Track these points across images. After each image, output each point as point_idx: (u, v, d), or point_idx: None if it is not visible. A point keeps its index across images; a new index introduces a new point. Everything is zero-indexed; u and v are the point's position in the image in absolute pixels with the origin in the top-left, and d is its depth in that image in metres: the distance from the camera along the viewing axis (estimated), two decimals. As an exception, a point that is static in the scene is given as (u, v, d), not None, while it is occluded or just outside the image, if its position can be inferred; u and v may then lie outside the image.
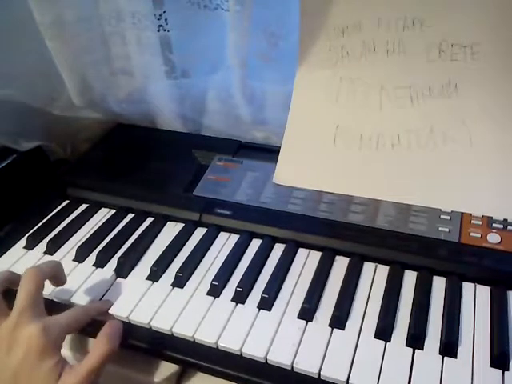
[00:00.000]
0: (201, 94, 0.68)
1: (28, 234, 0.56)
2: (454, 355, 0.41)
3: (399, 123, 0.55)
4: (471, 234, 0.50)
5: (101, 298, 0.49)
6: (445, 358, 0.41)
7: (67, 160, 0.75)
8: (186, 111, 0.70)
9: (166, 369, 0.46)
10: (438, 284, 0.47)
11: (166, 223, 0.57)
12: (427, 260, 0.48)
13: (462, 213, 0.52)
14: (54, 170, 0.70)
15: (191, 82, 0.68)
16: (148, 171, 0.64)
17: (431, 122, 0.54)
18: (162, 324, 0.45)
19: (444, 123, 0.54)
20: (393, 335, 0.43)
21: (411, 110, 0.55)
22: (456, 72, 0.52)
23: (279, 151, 0.59)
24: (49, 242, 0.55)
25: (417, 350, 0.41)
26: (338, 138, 0.57)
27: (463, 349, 0.41)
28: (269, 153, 0.62)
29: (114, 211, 0.60)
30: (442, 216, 0.52)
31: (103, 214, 0.60)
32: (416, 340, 0.42)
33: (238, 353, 0.42)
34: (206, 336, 0.43)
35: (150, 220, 0.58)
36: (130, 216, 0.59)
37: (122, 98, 0.70)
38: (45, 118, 0.70)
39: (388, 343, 0.42)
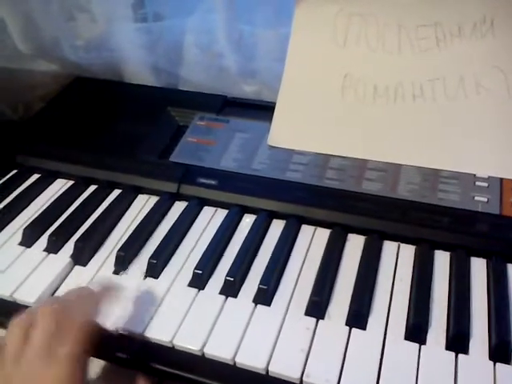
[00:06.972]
0: (177, 39, 0.62)
1: (-36, 212, 0.49)
2: (507, 360, 0.35)
3: (422, 70, 0.49)
4: (515, 204, 0.44)
5: (53, 293, 0.42)
6: (497, 363, 0.35)
7: (19, 122, 0.68)
8: (159, 61, 0.64)
9: (141, 381, 0.39)
10: (478, 267, 0.42)
11: (136, 196, 0.52)
12: (462, 237, 0.42)
13: (502, 178, 0.46)
14: (2, 135, 0.62)
15: (164, 25, 0.62)
16: (114, 134, 0.57)
17: (461, 67, 0.48)
18: (132, 326, 0.39)
19: (477, 69, 0.48)
20: (428, 336, 0.37)
21: (437, 53, 0.49)
22: (493, 6, 0.46)
23: (274, 107, 0.53)
24: (-11, 221, 0.49)
25: (460, 355, 0.35)
26: (347, 90, 0.51)
27: (519, 351, 0.35)
28: (261, 110, 0.56)
29: (73, 182, 0.54)
30: (477, 183, 0.46)
31: (59, 186, 0.54)
32: (459, 341, 0.36)
33: (231, 362, 0.36)
34: (188, 341, 0.37)
35: (116, 192, 0.52)
36: (92, 188, 0.53)
37: (79, 44, 0.64)
38: (-13, 71, 0.64)
39: (423, 346, 0.36)
